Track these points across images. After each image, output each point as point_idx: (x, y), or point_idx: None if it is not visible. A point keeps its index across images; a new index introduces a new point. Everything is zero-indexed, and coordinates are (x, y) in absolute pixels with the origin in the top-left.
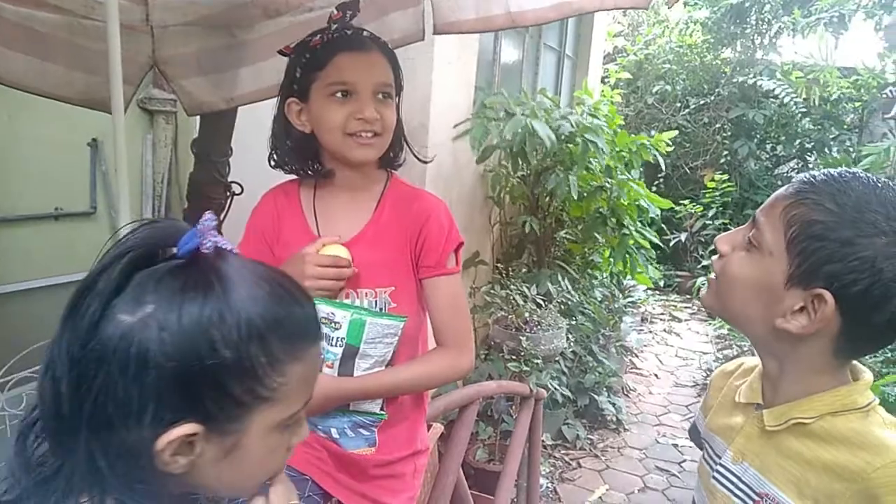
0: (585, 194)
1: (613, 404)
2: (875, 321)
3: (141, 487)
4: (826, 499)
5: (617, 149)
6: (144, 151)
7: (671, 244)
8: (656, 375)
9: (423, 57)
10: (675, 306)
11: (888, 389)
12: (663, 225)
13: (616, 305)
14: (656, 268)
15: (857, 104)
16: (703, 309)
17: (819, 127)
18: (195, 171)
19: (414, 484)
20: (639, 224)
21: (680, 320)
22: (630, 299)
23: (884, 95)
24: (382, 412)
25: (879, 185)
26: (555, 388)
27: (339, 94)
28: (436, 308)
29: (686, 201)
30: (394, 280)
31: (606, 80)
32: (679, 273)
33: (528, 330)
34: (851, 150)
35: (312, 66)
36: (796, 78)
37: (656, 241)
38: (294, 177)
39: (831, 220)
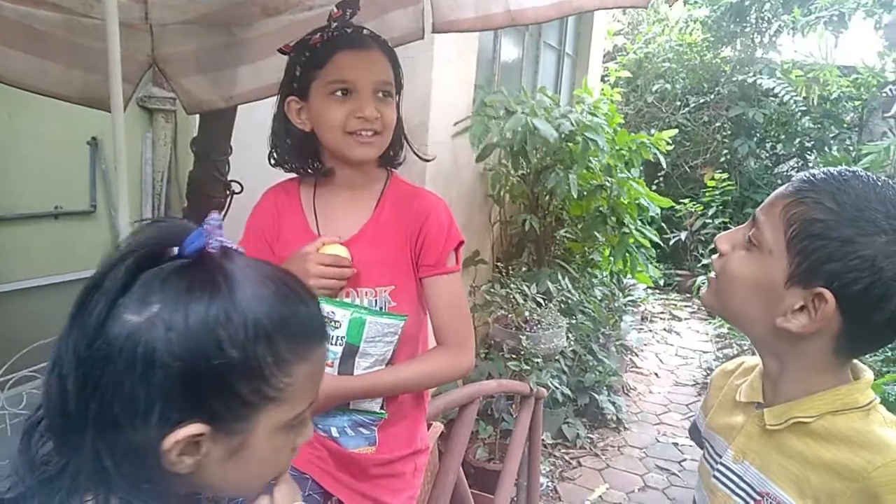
0: (585, 193)
1: (613, 403)
2: (875, 320)
3: (147, 487)
4: (827, 498)
5: (617, 147)
6: (144, 150)
7: (671, 243)
8: (656, 374)
9: (423, 55)
10: (675, 305)
11: (889, 388)
12: (663, 224)
13: (616, 304)
14: (656, 266)
15: (856, 103)
16: (703, 308)
17: (819, 126)
18: (195, 169)
19: (414, 483)
20: (639, 223)
21: (680, 319)
22: (630, 298)
23: (884, 94)
24: (382, 411)
25: (879, 183)
26: (555, 387)
27: (339, 93)
28: (436, 307)
29: (686, 200)
30: (394, 279)
31: (606, 78)
32: (679, 272)
33: (528, 329)
34: (851, 148)
35: (312, 65)
36: (796, 76)
37: (656, 239)
38: (294, 175)
39: (831, 219)
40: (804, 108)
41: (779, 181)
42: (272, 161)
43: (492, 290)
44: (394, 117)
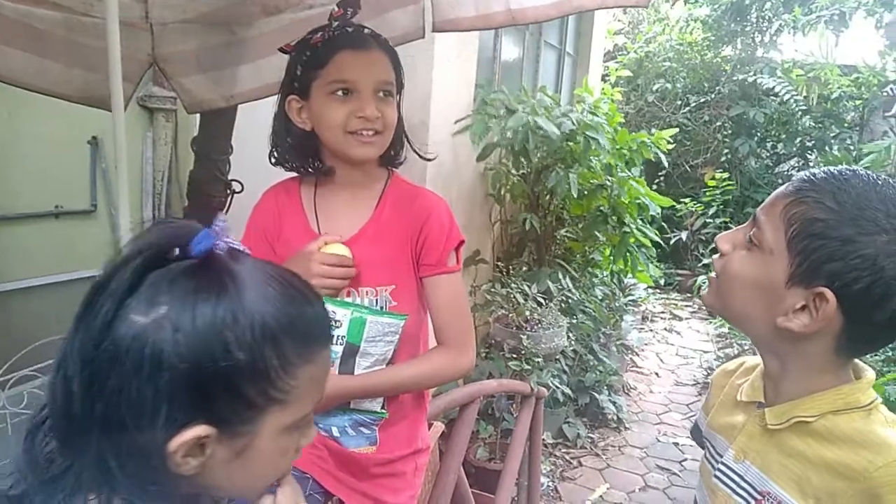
0: (586, 192)
1: (614, 403)
2: (877, 319)
3: (152, 488)
4: (828, 497)
5: (617, 146)
6: (144, 149)
7: (672, 242)
8: (657, 374)
9: (424, 55)
10: (676, 305)
11: (890, 388)
12: (664, 223)
13: (617, 304)
14: (657, 266)
15: (857, 102)
16: (703, 307)
17: (820, 125)
18: (195, 168)
19: (415, 482)
20: (639, 222)
21: (681, 319)
22: (631, 298)
23: (884, 93)
24: (383, 411)
25: (879, 182)
26: (555, 387)
27: (339, 93)
28: (436, 307)
29: (687, 199)
30: (394, 278)
31: (607, 77)
32: (680, 271)
33: (528, 328)
34: (852, 148)
35: (313, 64)
36: (797, 76)
37: (657, 239)
38: (294, 174)
39: (832, 219)
40: (805, 108)
41: (779, 181)
42: (272, 160)
43: (492, 289)
44: (395, 117)
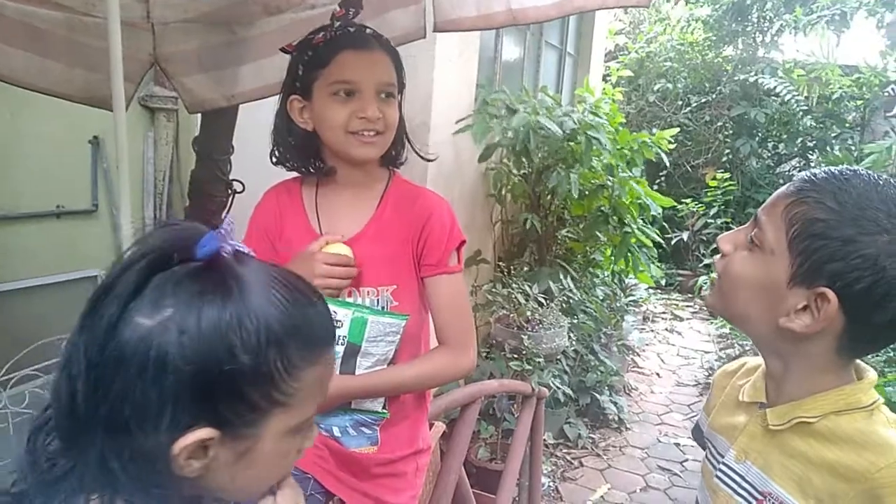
0: (587, 192)
1: (615, 403)
2: (878, 319)
3: (156, 491)
4: (829, 498)
5: (619, 147)
6: (146, 149)
7: (673, 243)
8: (658, 374)
9: (425, 55)
10: (677, 305)
11: (891, 389)
12: (665, 223)
13: (618, 304)
14: (658, 266)
15: (858, 102)
16: (704, 308)
17: (821, 125)
18: (196, 168)
19: (416, 483)
20: (640, 222)
21: (682, 319)
22: (632, 298)
23: (886, 93)
24: (384, 411)
25: (880, 182)
26: (556, 387)
27: (341, 93)
28: (437, 307)
29: (688, 200)
30: (395, 278)
31: (608, 77)
32: (681, 272)
33: (529, 328)
34: (853, 148)
35: (315, 64)
36: (798, 76)
37: (658, 239)
38: (296, 174)
39: (833, 219)
40: (806, 108)
41: (780, 181)
42: (274, 159)
43: (493, 289)
44: (396, 117)
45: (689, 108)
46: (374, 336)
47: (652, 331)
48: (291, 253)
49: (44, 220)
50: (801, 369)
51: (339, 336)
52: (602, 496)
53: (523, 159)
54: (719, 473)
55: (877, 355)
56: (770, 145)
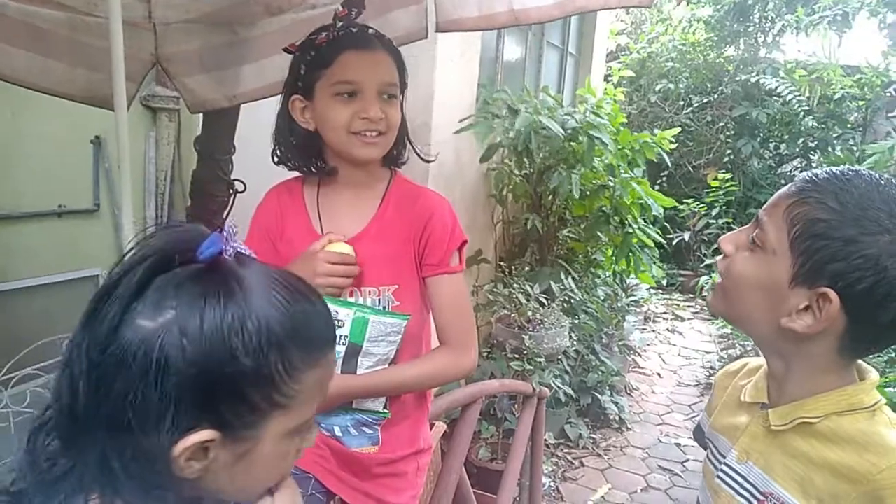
0: (588, 193)
1: (616, 403)
2: (880, 319)
3: (156, 492)
4: (831, 499)
5: (620, 147)
6: (147, 149)
7: (674, 243)
8: (659, 375)
9: (426, 55)
10: (678, 305)
11: (891, 390)
12: (666, 223)
13: (619, 304)
14: (659, 267)
15: (860, 103)
16: (706, 308)
17: (822, 126)
18: (198, 168)
19: (417, 482)
20: (642, 222)
21: (683, 319)
22: (633, 298)
23: (888, 94)
24: (385, 410)
25: (882, 182)
26: (557, 387)
27: (344, 94)
28: (439, 307)
29: (689, 200)
30: (397, 278)
31: (609, 78)
32: (682, 272)
33: (530, 328)
34: (855, 148)
35: (318, 64)
36: (800, 76)
37: (659, 239)
38: (297, 174)
39: (834, 219)
40: (807, 108)
41: (782, 181)
42: (275, 159)
43: (495, 289)
44: (398, 118)
45: (690, 109)
46: (375, 336)
47: (653, 331)
48: (293, 253)
49: (45, 220)
50: (803, 370)
51: (341, 336)
52: (603, 496)
53: (525, 159)
54: (721, 474)
55: (878, 355)
56: (772, 146)
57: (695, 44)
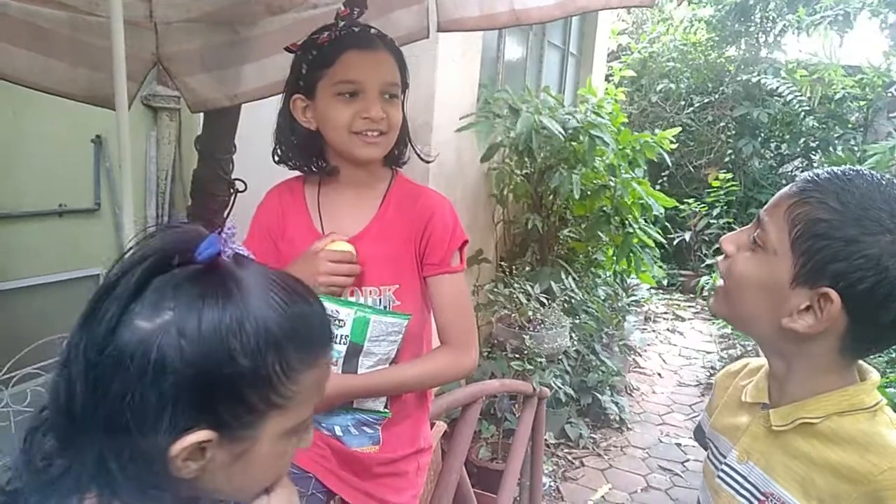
0: (589, 192)
1: (616, 403)
2: (881, 320)
3: (153, 492)
4: (832, 499)
5: (621, 146)
6: (148, 148)
7: (675, 243)
8: (660, 375)
9: (427, 54)
10: (679, 305)
11: (892, 391)
12: (667, 223)
13: (619, 304)
14: (660, 267)
15: (861, 103)
16: (706, 308)
17: (823, 126)
18: (199, 168)
19: (417, 482)
20: (642, 222)
21: (683, 319)
22: (633, 298)
23: (889, 94)
24: (386, 410)
25: (883, 182)
26: (558, 387)
27: (346, 94)
28: (440, 306)
29: (690, 200)
30: (398, 278)
31: (610, 78)
32: (683, 272)
33: (531, 328)
34: (856, 148)
35: (319, 64)
36: (801, 76)
37: (660, 239)
38: (298, 173)
39: (835, 219)
40: (808, 108)
41: (783, 181)
42: (276, 158)
43: (495, 289)
44: (399, 118)
45: (691, 109)
46: (376, 335)
47: (653, 331)
48: (294, 252)
49: (46, 219)
50: (804, 370)
51: (342, 335)
52: (603, 496)
53: (525, 159)
54: (721, 474)
55: (879, 356)
56: (773, 146)
57: (696, 44)
